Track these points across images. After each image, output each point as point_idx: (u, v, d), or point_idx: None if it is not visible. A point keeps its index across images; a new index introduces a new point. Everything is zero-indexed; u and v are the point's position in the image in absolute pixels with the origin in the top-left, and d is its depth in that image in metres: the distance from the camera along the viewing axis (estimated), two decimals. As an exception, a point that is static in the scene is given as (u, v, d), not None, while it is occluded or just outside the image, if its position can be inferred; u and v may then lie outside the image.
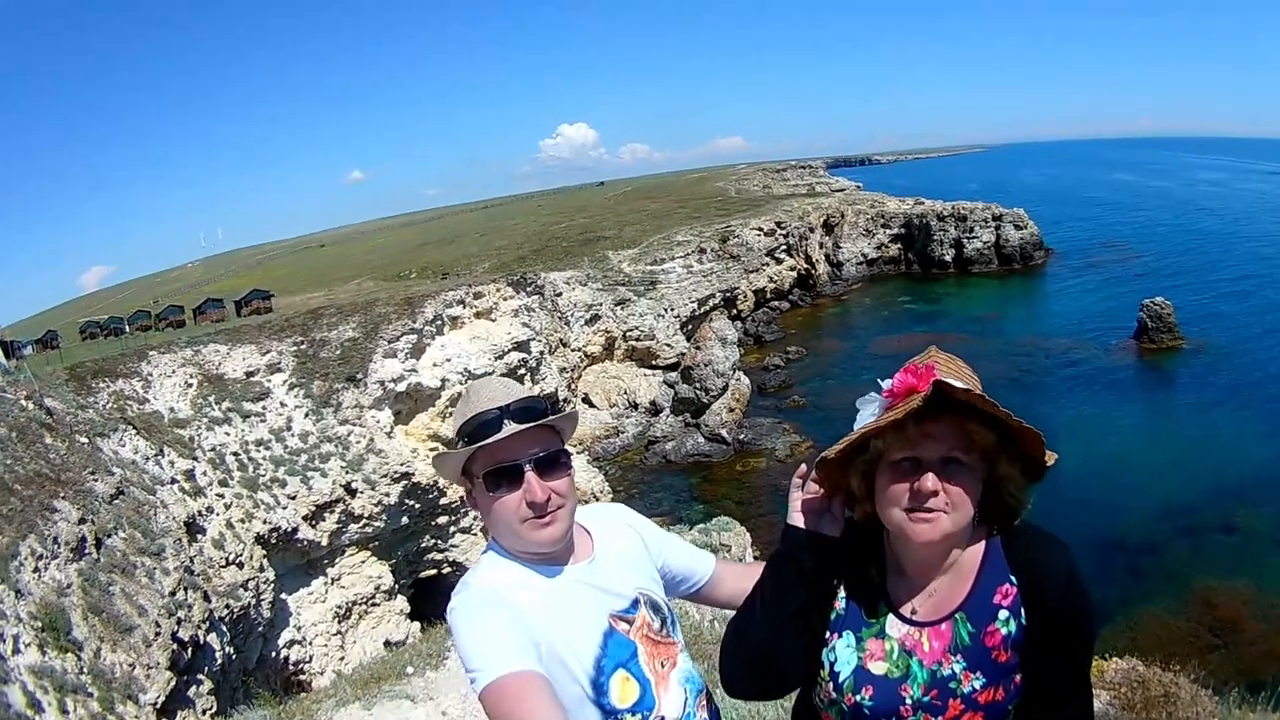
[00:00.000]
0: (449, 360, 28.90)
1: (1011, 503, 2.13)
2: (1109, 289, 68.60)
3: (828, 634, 2.30)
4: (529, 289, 40.33)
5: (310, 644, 21.89)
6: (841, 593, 2.33)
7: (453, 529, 28.16)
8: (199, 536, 18.32)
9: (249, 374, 24.41)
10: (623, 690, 2.31)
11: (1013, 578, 2.16)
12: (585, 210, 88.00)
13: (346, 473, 23.89)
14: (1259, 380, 45.00)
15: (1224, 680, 6.75)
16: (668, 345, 49.99)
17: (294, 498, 22.35)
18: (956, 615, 2.17)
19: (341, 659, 22.34)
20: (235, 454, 21.98)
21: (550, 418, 2.39)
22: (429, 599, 26.92)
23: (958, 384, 1.97)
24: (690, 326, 52.77)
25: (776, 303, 66.92)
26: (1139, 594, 25.95)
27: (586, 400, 44.04)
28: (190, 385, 22.91)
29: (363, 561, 24.59)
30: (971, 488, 2.05)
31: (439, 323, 29.64)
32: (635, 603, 2.48)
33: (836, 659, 2.26)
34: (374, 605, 24.54)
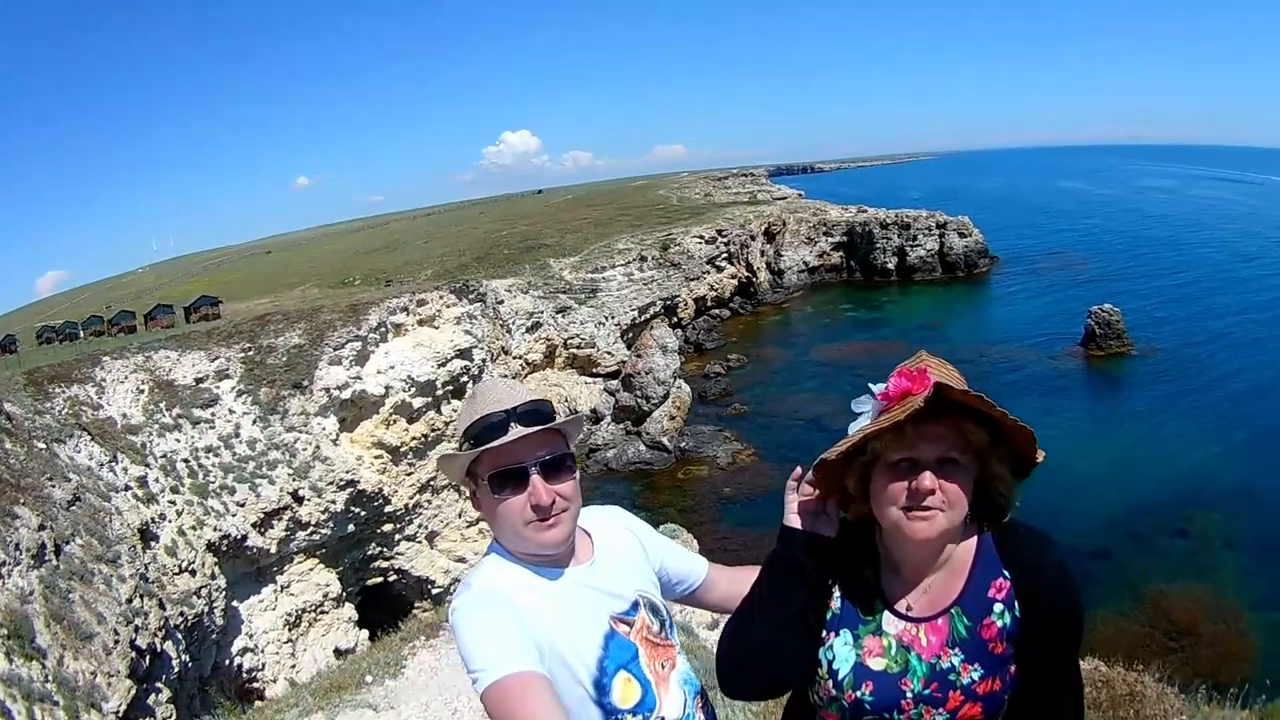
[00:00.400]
0: (392, 368, 29.26)
1: (1001, 501, 2.29)
2: (1055, 296, 70.55)
3: (824, 633, 2.41)
4: (471, 296, 41.08)
5: (262, 652, 22.16)
6: (836, 592, 2.44)
7: (398, 537, 28.61)
8: (152, 544, 18.54)
9: (198, 380, 24.74)
10: (625, 691, 2.40)
11: (1006, 572, 2.30)
12: (527, 218, 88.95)
13: (294, 480, 24.26)
14: (1207, 385, 46.79)
15: (1186, 682, 7.07)
16: (608, 353, 50.78)
17: (243, 505, 22.66)
18: (952, 610, 2.30)
19: (293, 667, 22.65)
20: (186, 461, 22.28)
21: (556, 421, 2.48)
22: (376, 607, 27.41)
23: (956, 386, 2.13)
24: (631, 334, 53.67)
25: (717, 311, 68.02)
26: (1093, 600, 25.93)
27: None
28: (142, 391, 23.17)
29: (311, 569, 24.89)
30: (966, 486, 2.19)
31: (383, 330, 30.07)
32: (635, 605, 2.57)
33: (835, 657, 2.37)
34: (323, 613, 24.84)
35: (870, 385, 2.29)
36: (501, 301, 46.27)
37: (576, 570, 2.51)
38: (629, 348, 50.35)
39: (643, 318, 56.96)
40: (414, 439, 29.55)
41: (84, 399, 21.40)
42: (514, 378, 42.42)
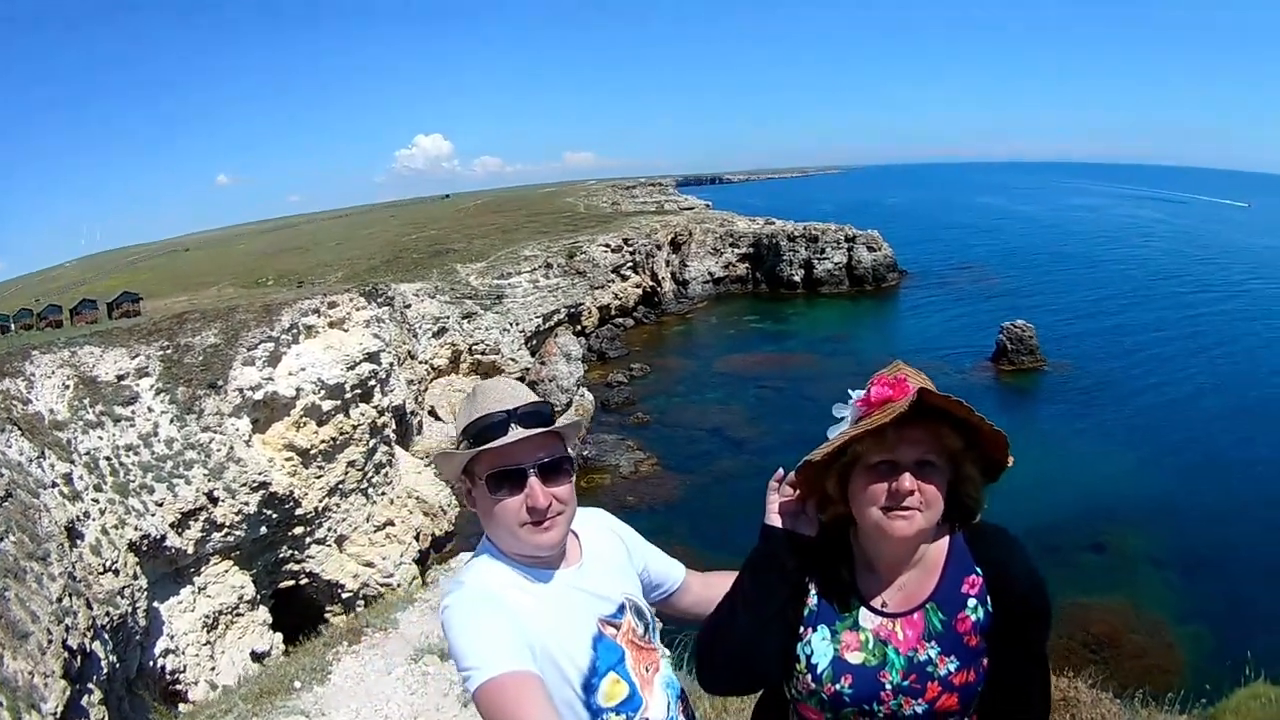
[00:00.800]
0: (304, 369, 29.62)
1: (970, 502, 2.45)
2: (966, 311, 72.45)
3: (802, 629, 2.52)
4: (380, 300, 41.58)
5: (183, 654, 22.41)
6: (813, 590, 2.55)
7: (308, 540, 29.11)
8: (78, 542, 18.71)
9: (119, 377, 24.85)
10: (611, 691, 2.46)
11: (978, 569, 2.44)
12: (436, 222, 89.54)
13: (209, 481, 24.65)
14: (1120, 401, 48.49)
15: (1118, 690, 7.41)
16: (512, 359, 51.41)
17: (161, 504, 22.95)
18: (927, 605, 2.43)
19: (213, 669, 23.04)
20: (108, 458, 22.50)
21: (556, 425, 2.57)
22: (288, 610, 27.94)
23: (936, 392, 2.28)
24: (535, 341, 54.62)
25: (621, 319, 69.26)
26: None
27: (433, 414, 45.01)
28: (68, 387, 23.27)
29: (226, 571, 25.24)
30: (942, 488, 2.34)
31: (295, 331, 30.40)
32: (622, 608, 2.64)
33: (813, 651, 2.48)
34: (239, 615, 25.21)
35: (850, 391, 2.51)
36: (409, 306, 46.79)
37: (566, 572, 2.58)
38: (533, 355, 51.27)
39: (547, 325, 57.82)
40: (323, 442, 29.79)
41: (14, 393, 21.51)
42: (418, 383, 44.36)
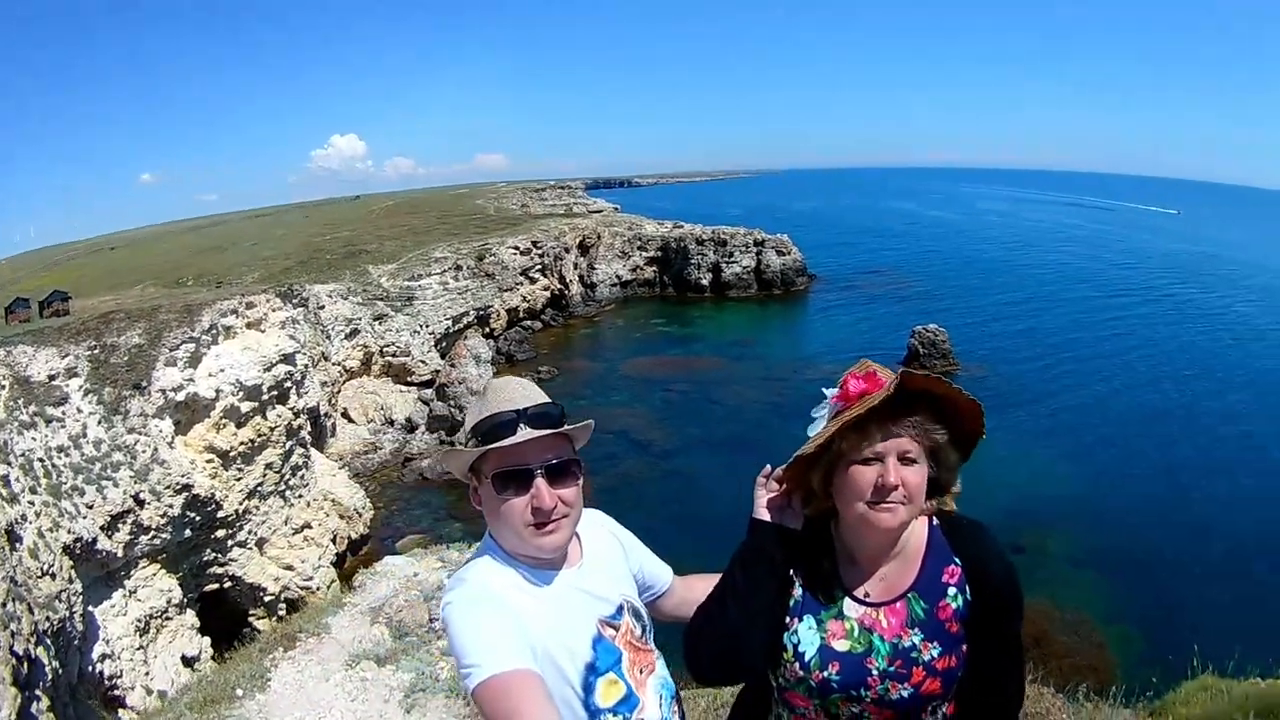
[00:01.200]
0: (223, 370, 29.82)
1: (947, 488, 2.67)
2: (879, 315, 74.06)
3: (788, 619, 2.66)
4: (295, 301, 42.04)
5: (119, 658, 22.37)
6: (798, 582, 2.69)
7: (230, 543, 29.26)
8: (18, 545, 18.54)
9: (50, 378, 24.89)
10: (608, 691, 2.55)
11: (956, 560, 2.62)
12: (349, 223, 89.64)
13: (135, 483, 24.74)
14: (1034, 401, 49.71)
15: (1056, 688, 7.59)
16: (423, 362, 52.09)
17: (91, 507, 23.00)
18: (909, 594, 2.59)
19: (147, 674, 23.12)
20: (41, 460, 22.50)
21: (566, 427, 2.65)
22: (214, 614, 28.23)
23: (917, 374, 2.44)
24: (445, 344, 55.17)
25: (529, 322, 69.81)
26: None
27: (345, 416, 45.36)
28: (3, 387, 23.27)
29: (154, 574, 25.28)
30: (924, 480, 2.48)
31: (214, 332, 30.56)
32: (620, 609, 2.73)
33: (800, 641, 2.62)
34: (168, 619, 25.29)
35: (824, 390, 2.64)
36: (323, 307, 47.06)
37: (568, 573, 2.65)
38: (443, 357, 51.70)
39: (457, 327, 58.47)
40: (242, 444, 30.06)
41: (-47, 394, 21.32)
42: (331, 385, 44.89)
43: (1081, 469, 40.75)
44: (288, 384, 33.09)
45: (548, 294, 73.63)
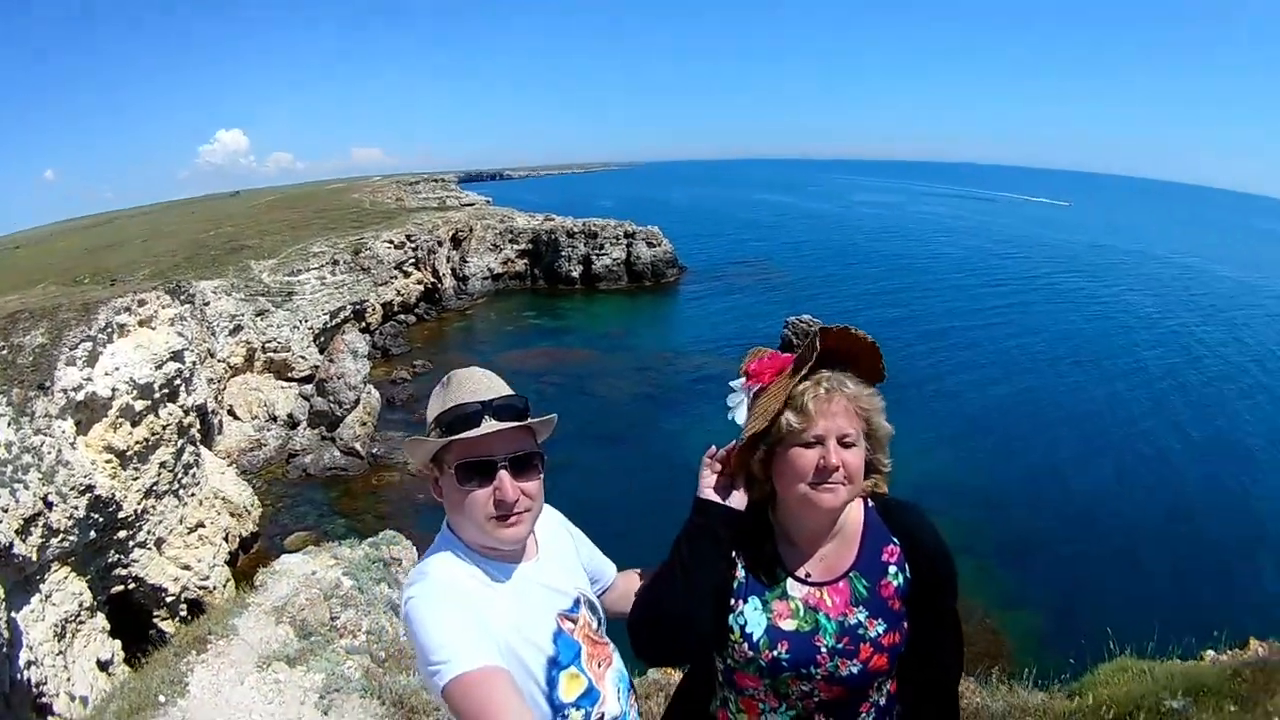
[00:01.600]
0: (118, 369, 29.44)
1: (880, 468, 2.80)
2: (750, 306, 74.83)
3: (733, 601, 2.74)
4: (182, 298, 41.53)
5: (43, 664, 22.03)
6: (740, 564, 2.77)
7: (131, 544, 28.87)
8: None
9: None
10: (570, 685, 2.58)
11: (895, 539, 2.74)
12: (232, 219, 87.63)
13: (44, 485, 24.36)
14: (912, 388, 49.91)
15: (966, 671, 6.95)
16: (302, 357, 51.79)
17: (6, 510, 22.64)
18: (850, 574, 2.69)
19: (68, 679, 22.79)
20: None
21: (530, 419, 2.69)
22: (121, 617, 27.95)
23: (833, 330, 2.55)
24: (324, 339, 54.85)
25: (404, 316, 69.77)
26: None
27: (231, 413, 44.93)
28: None
29: (65, 578, 24.97)
30: (862, 462, 2.59)
31: (110, 330, 30.15)
32: (577, 602, 2.78)
33: (746, 622, 2.70)
34: (81, 624, 24.92)
35: (731, 384, 2.83)
36: (208, 303, 46.44)
37: (526, 566, 2.70)
38: (321, 352, 51.28)
39: (334, 322, 58.24)
40: (138, 443, 29.69)
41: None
42: (218, 382, 44.91)
43: (962, 456, 40.90)
44: (177, 381, 32.70)
45: (421, 288, 73.60)
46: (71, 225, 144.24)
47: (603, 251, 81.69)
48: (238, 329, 48.73)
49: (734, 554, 2.80)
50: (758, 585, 2.76)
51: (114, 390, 29.20)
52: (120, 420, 29.54)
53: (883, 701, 2.79)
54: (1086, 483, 38.54)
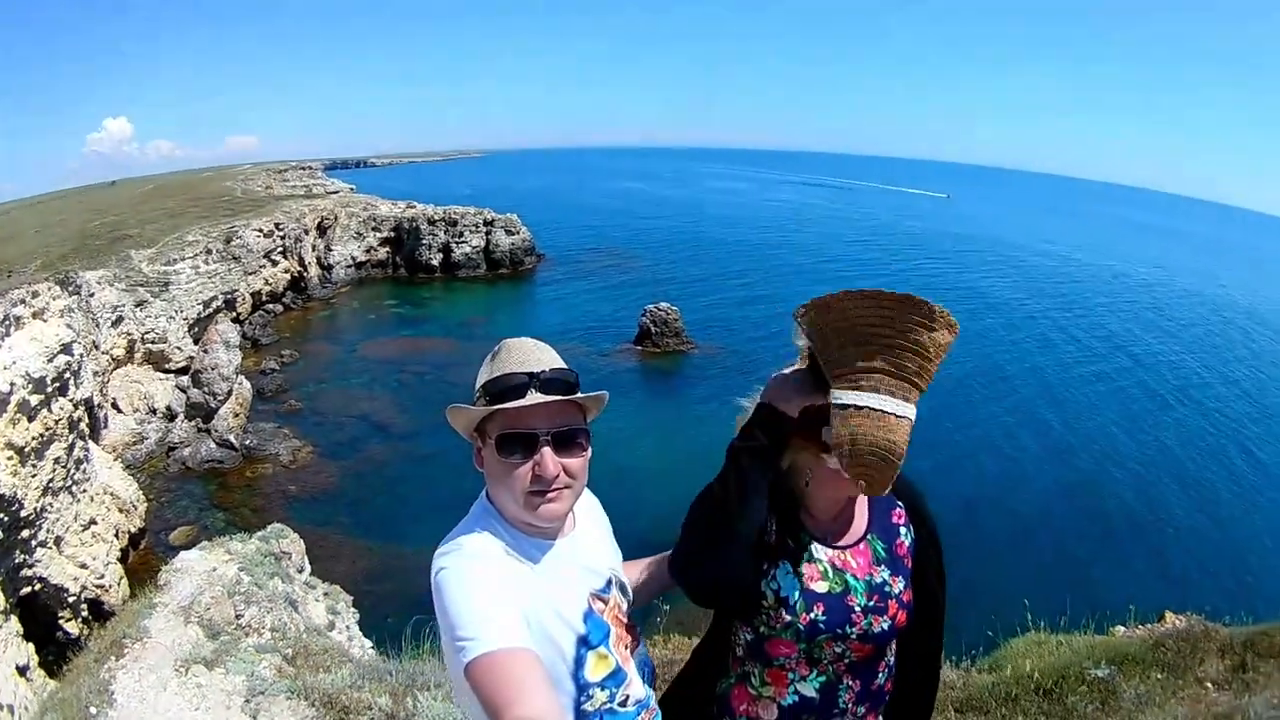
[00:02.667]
0: (15, 363, 28.72)
1: None
2: (608, 294, 75.58)
3: (764, 566, 2.68)
4: (71, 289, 40.54)
5: None
6: (772, 527, 2.70)
7: (34, 543, 28.16)
8: None
9: None
10: (597, 665, 2.52)
11: (899, 502, 2.86)
12: (115, 208, 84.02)
13: None
14: (767, 372, 52.61)
15: None
16: (178, 348, 51.11)
17: None
18: (868, 536, 2.77)
19: None
20: None
21: (578, 395, 2.58)
22: (31, 620, 27.19)
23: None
24: (197, 329, 54.00)
25: (272, 305, 69.09)
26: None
27: (115, 406, 44.12)
28: None
29: None
30: None
31: (7, 324, 29.50)
32: (609, 583, 2.70)
33: (780, 586, 2.67)
34: None
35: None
36: (93, 294, 45.32)
37: (563, 542, 2.62)
38: (196, 343, 50.43)
39: (208, 312, 57.54)
40: (35, 438, 28.98)
41: None
42: (102, 374, 44.07)
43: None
44: (67, 375, 31.82)
45: (288, 276, 72.89)
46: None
47: (462, 239, 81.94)
48: (119, 320, 47.91)
49: (769, 519, 2.71)
50: (786, 550, 2.73)
51: (12, 385, 28.39)
52: (18, 416, 28.71)
53: (892, 660, 2.88)
54: (970, 467, 40.28)
